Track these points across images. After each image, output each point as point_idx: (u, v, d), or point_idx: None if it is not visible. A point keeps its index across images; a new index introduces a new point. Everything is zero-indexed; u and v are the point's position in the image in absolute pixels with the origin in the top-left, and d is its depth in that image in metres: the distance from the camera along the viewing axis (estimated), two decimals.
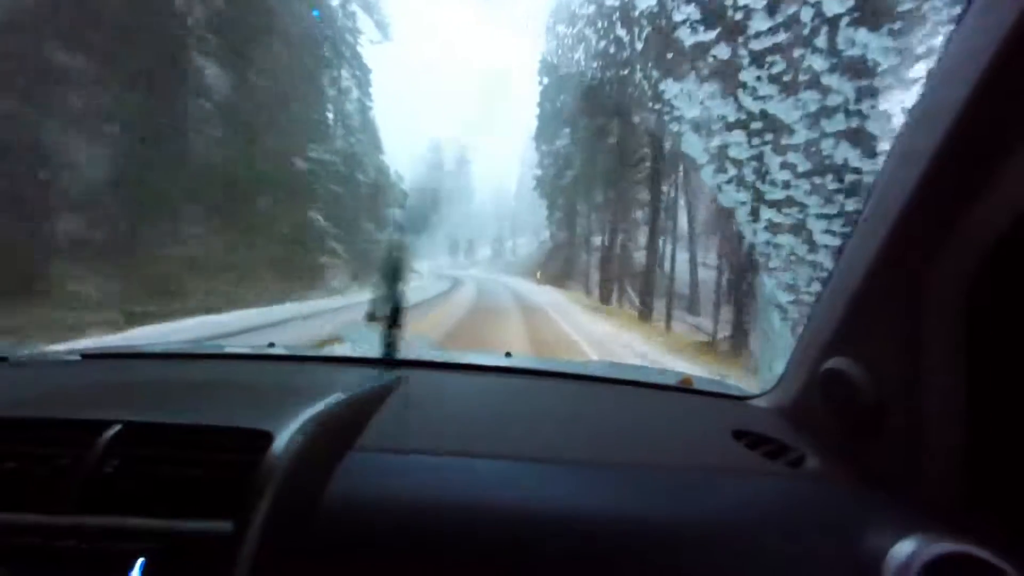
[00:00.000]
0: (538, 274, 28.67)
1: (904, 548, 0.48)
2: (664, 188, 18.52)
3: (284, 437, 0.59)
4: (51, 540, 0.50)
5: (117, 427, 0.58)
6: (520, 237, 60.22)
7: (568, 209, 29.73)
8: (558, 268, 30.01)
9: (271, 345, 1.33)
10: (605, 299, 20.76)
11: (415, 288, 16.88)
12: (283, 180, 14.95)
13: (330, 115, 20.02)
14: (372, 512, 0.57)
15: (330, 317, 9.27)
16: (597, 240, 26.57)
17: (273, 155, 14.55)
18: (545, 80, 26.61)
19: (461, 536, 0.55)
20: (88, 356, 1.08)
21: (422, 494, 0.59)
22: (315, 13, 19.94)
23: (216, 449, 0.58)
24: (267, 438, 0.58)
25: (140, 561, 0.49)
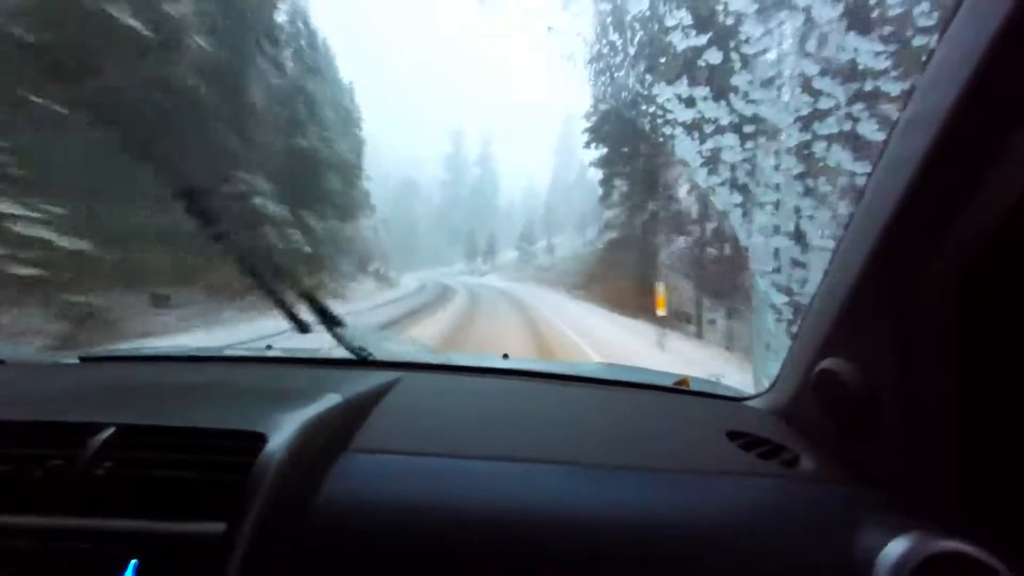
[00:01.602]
0: (659, 291, 9.83)
1: (897, 547, 0.49)
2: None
3: (278, 439, 0.58)
4: (43, 542, 0.50)
5: (110, 430, 0.58)
6: (557, 235, 48.18)
7: (645, 175, 16.51)
8: (626, 280, 16.37)
9: (268, 347, 1.33)
10: None
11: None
12: None
13: None
14: (366, 514, 0.57)
15: None
16: (704, 226, 14.42)
17: None
18: None
19: (455, 538, 0.55)
20: (85, 359, 1.08)
21: (416, 496, 0.59)
22: None
23: (210, 451, 0.58)
24: (261, 440, 0.58)
25: (133, 563, 0.48)
